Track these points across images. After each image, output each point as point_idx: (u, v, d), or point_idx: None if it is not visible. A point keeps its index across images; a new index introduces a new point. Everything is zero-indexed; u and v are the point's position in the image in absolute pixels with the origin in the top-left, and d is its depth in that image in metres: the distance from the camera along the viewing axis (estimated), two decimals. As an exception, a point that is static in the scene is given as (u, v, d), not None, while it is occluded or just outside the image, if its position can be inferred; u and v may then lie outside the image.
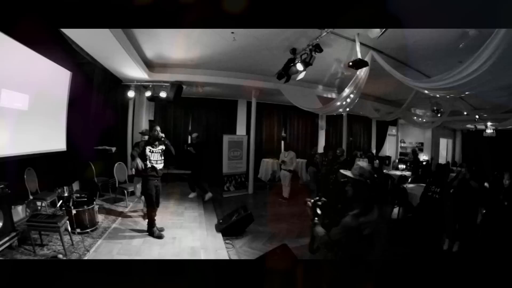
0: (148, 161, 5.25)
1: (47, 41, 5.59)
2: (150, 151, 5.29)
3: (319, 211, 2.56)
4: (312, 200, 2.65)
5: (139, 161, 5.06)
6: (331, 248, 2.35)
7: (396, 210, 7.45)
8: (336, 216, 2.36)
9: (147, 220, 5.47)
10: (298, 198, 8.20)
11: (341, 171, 2.56)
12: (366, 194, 2.29)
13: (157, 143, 5.38)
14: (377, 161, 13.12)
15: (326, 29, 5.31)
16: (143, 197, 5.86)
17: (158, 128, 5.44)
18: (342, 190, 2.43)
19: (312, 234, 2.63)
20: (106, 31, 4.78)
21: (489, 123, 14.10)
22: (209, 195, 8.33)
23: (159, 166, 5.41)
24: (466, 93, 5.70)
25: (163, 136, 5.43)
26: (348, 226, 2.20)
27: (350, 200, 2.34)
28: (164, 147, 5.47)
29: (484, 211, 5.18)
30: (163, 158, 5.48)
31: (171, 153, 5.59)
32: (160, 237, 5.24)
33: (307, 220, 2.86)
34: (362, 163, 2.42)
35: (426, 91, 5.69)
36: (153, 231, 5.29)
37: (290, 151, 9.28)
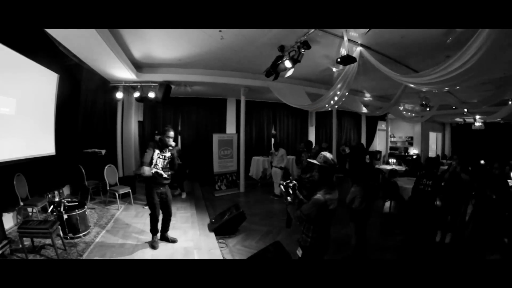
0: (153, 167, 4.85)
1: (33, 43, 5.52)
2: (157, 156, 4.89)
3: (290, 191, 2.97)
4: (285, 183, 3.03)
5: (146, 169, 4.70)
6: (302, 221, 2.82)
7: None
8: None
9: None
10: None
11: (309, 160, 3.26)
12: (329, 177, 2.81)
13: (166, 149, 5.00)
14: (368, 156, 13.23)
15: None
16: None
17: (171, 134, 4.97)
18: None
19: (287, 211, 3.06)
20: (92, 32, 4.70)
21: (477, 116, 14.31)
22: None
23: (165, 173, 5.00)
24: (455, 87, 5.76)
25: (172, 145, 5.02)
26: (317, 202, 2.65)
27: (317, 182, 2.83)
28: (171, 155, 5.09)
29: (474, 202, 5.26)
30: (169, 166, 5.09)
31: (173, 164, 5.16)
32: (154, 247, 4.91)
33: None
34: (326, 153, 2.89)
35: (414, 86, 5.74)
36: (152, 238, 5.08)
37: (280, 148, 9.32)
